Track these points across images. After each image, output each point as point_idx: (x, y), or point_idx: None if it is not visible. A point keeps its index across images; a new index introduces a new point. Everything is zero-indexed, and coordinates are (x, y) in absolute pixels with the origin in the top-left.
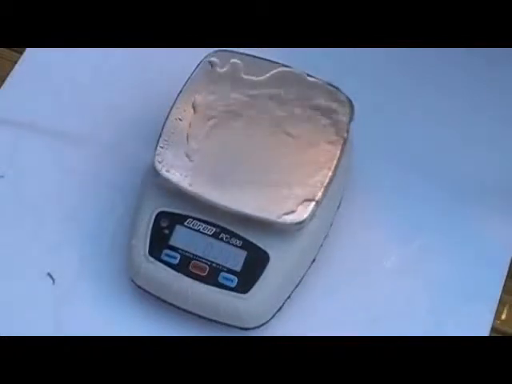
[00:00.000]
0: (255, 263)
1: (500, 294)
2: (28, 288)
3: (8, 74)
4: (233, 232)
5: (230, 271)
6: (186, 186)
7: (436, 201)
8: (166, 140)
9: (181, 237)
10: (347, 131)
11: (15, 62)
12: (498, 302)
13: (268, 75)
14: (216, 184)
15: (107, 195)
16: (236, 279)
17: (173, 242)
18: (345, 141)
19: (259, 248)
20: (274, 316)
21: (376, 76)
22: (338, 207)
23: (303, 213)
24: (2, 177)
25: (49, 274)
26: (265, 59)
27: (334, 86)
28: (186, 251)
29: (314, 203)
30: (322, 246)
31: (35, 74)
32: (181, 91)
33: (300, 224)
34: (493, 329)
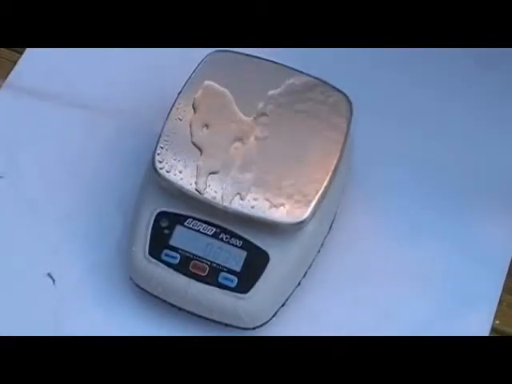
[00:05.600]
0: (255, 263)
1: (500, 293)
2: (28, 288)
3: (8, 74)
4: (233, 232)
5: (230, 271)
6: (186, 185)
7: (436, 200)
8: (166, 140)
9: (181, 237)
10: (347, 131)
11: (15, 62)
12: (497, 301)
13: (268, 75)
14: (216, 184)
15: (107, 195)
16: (236, 279)
17: (173, 242)
18: (345, 141)
19: (259, 248)
20: (273, 316)
21: (376, 76)
22: (338, 207)
23: (303, 213)
24: (2, 177)
25: (49, 274)
26: (264, 59)
27: (333, 86)
28: (186, 251)
29: (314, 203)
30: (322, 245)
31: (35, 74)
32: (181, 91)
33: (300, 224)
34: (493, 329)
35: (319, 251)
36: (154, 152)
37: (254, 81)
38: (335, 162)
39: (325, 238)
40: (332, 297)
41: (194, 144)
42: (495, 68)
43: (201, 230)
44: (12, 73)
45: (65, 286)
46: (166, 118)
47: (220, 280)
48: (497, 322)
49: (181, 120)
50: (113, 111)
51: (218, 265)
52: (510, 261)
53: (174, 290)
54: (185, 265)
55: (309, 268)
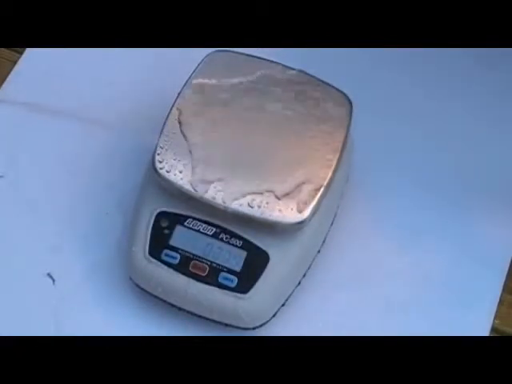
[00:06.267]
0: (255, 263)
1: (500, 293)
2: (28, 288)
3: (8, 74)
4: (233, 232)
5: (230, 271)
6: (186, 185)
7: (436, 200)
8: (165, 140)
9: (181, 237)
10: (347, 131)
11: (15, 62)
12: (498, 301)
13: (268, 75)
14: (216, 184)
15: (107, 195)
16: (236, 279)
17: (173, 242)
18: (345, 141)
19: (259, 248)
20: (273, 316)
21: (376, 76)
22: (338, 207)
23: (303, 213)
24: (2, 177)
25: (49, 275)
26: (265, 59)
27: (333, 86)
28: (186, 251)
29: (314, 203)
30: (322, 245)
31: (35, 74)
32: (181, 91)
33: (300, 224)
34: (493, 329)
35: (319, 251)
36: (154, 152)
37: (254, 81)
38: (335, 161)
39: (325, 238)
40: (331, 297)
41: (194, 144)
42: (495, 68)
43: (201, 230)
44: (12, 73)
45: (65, 286)
46: (166, 118)
47: (220, 280)
48: (497, 321)
49: (181, 120)
50: (113, 111)
51: (218, 265)
52: (510, 261)
53: (174, 290)
54: (185, 265)
55: (309, 268)
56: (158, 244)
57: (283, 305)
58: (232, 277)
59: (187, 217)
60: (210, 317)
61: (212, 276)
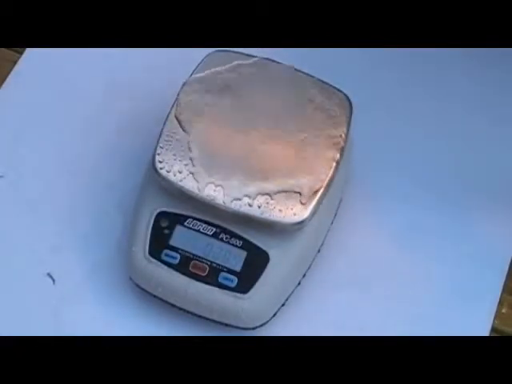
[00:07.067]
0: (255, 263)
1: (500, 293)
2: (28, 288)
3: (8, 74)
4: (233, 232)
5: (230, 271)
6: (185, 185)
7: (436, 200)
8: (166, 140)
9: (181, 237)
10: (347, 131)
11: (15, 62)
12: (498, 301)
13: (268, 75)
14: (216, 184)
15: (107, 195)
16: (236, 279)
17: (173, 242)
18: (345, 141)
19: (259, 248)
20: (274, 316)
21: (376, 76)
22: (338, 206)
23: (303, 213)
24: (2, 177)
25: (49, 274)
26: (265, 59)
27: (333, 86)
28: (186, 251)
29: (313, 203)
30: (322, 245)
31: (35, 74)
32: (180, 91)
33: (300, 224)
34: (493, 329)
35: (319, 251)
36: (154, 152)
37: (254, 81)
38: (335, 161)
39: (325, 238)
40: (331, 297)
41: (194, 144)
42: (495, 68)
43: (201, 230)
44: (12, 73)
45: (65, 286)
46: (166, 118)
47: (220, 280)
48: (497, 321)
49: (181, 120)
50: (113, 111)
51: (218, 265)
52: (510, 261)
53: (174, 290)
54: (185, 265)
55: (309, 268)
56: (158, 244)
57: (283, 305)
58: (232, 277)
59: (187, 217)
60: (210, 317)
61: (212, 276)
